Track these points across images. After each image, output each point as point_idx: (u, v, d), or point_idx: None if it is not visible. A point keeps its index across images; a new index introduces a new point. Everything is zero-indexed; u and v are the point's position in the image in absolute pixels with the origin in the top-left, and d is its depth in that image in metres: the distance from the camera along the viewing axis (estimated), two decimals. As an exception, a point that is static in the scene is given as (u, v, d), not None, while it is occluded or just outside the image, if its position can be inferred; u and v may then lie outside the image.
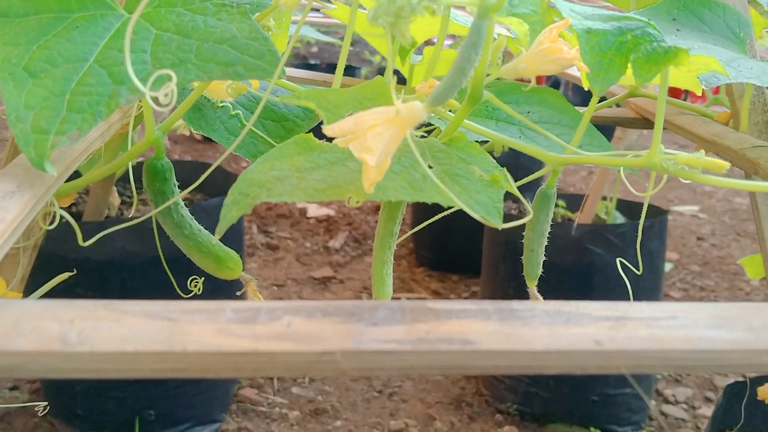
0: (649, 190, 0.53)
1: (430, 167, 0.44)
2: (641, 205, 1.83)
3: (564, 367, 0.30)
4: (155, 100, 0.37)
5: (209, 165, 1.84)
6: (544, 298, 1.75)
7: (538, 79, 0.63)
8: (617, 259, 0.64)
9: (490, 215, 0.40)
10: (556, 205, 1.97)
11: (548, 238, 1.74)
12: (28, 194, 0.38)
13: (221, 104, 0.66)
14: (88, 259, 1.40)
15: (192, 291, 0.66)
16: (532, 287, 0.53)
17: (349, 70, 3.84)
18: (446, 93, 0.37)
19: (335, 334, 0.29)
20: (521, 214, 1.87)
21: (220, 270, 0.60)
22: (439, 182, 0.40)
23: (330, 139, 0.46)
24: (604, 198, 1.81)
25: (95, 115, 0.40)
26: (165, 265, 0.66)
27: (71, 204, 1.58)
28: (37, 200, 0.39)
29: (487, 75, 0.46)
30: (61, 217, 1.33)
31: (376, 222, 2.66)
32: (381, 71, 3.98)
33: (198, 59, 0.44)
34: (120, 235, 1.42)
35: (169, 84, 0.37)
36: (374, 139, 0.37)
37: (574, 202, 1.91)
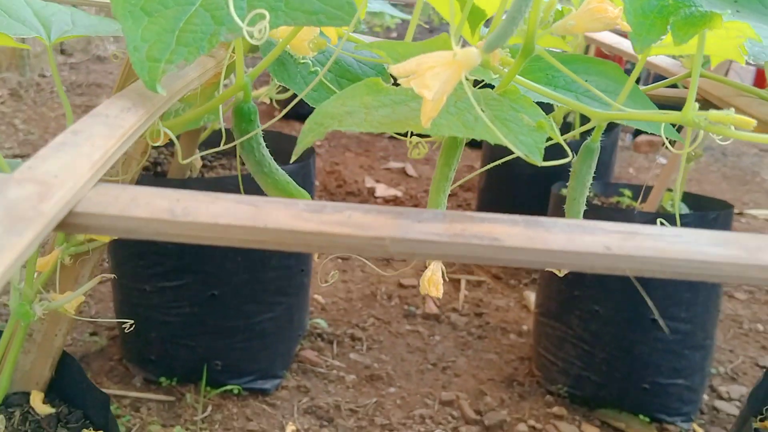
0: (686, 147, 0.57)
1: (482, 111, 0.50)
2: (708, 199, 1.83)
3: (575, 265, 0.35)
4: (250, 35, 0.44)
5: (285, 135, 1.93)
6: (605, 283, 1.74)
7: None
8: (658, 220, 0.68)
9: (532, 153, 0.46)
10: (622, 194, 1.98)
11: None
12: (142, 110, 0.46)
13: (302, 60, 0.73)
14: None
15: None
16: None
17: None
18: (499, 39, 0.43)
19: (386, 226, 0.36)
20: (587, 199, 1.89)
21: (292, 206, 0.67)
22: (489, 122, 0.46)
23: (396, 86, 0.52)
24: (670, 190, 1.81)
25: (199, 49, 0.48)
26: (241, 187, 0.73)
27: (156, 164, 1.70)
28: (149, 116, 0.46)
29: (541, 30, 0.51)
30: (150, 171, 1.43)
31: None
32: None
33: (287, 7, 0.50)
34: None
35: (263, 21, 0.44)
36: (433, 78, 0.43)
37: (641, 193, 1.92)
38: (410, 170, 3.36)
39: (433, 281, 0.56)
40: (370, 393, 1.78)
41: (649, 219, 1.61)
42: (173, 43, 0.48)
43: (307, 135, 0.47)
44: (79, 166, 0.36)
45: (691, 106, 0.47)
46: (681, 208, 1.75)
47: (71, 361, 0.85)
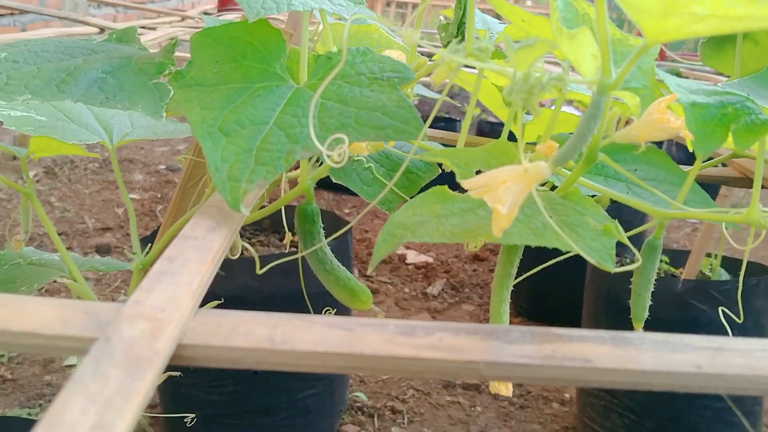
0: (749, 244, 0.58)
1: (550, 217, 0.51)
2: (747, 263, 1.81)
3: (668, 385, 0.36)
4: (330, 158, 0.46)
5: (326, 211, 1.96)
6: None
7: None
8: (720, 308, 0.68)
9: (603, 260, 0.47)
10: (660, 261, 1.97)
11: (651, 293, 1.74)
12: (226, 229, 0.48)
13: (356, 158, 0.76)
14: (212, 293, 1.52)
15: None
16: (639, 329, 0.58)
17: (450, 123, 3.95)
18: (568, 156, 0.45)
19: (478, 349, 0.37)
20: (623, 264, 1.89)
21: (354, 302, 0.68)
22: (559, 230, 0.47)
23: (461, 191, 0.54)
24: (709, 255, 1.80)
25: (277, 167, 0.50)
26: (306, 298, 0.75)
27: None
28: (231, 234, 0.48)
29: (604, 138, 0.53)
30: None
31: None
32: (480, 123, 4.05)
33: (356, 124, 0.53)
34: (244, 274, 1.54)
35: (342, 145, 0.46)
36: (505, 192, 0.45)
37: (678, 257, 1.91)
38: (440, 236, 3.36)
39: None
40: (413, 469, 1.75)
41: (693, 287, 1.60)
42: (252, 163, 0.50)
43: (381, 246, 0.49)
44: (182, 297, 0.38)
45: (756, 207, 0.48)
46: (720, 274, 1.74)
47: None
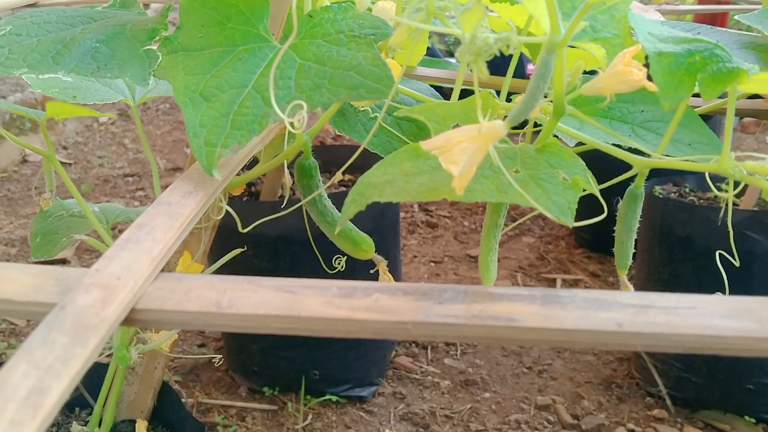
0: (730, 193, 0.57)
1: (517, 172, 0.52)
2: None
3: (589, 343, 0.37)
4: (291, 124, 0.48)
5: (346, 146, 1.97)
6: (701, 284, 1.72)
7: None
8: (717, 252, 0.67)
9: (563, 215, 0.48)
10: (720, 189, 1.91)
11: (705, 223, 1.71)
12: (202, 193, 0.51)
13: (362, 109, 0.77)
14: (263, 234, 1.58)
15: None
16: (623, 276, 0.59)
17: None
18: (521, 114, 0.45)
19: (409, 309, 0.39)
20: (682, 197, 1.85)
21: (356, 251, 0.71)
22: (519, 187, 0.48)
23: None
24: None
25: (251, 132, 0.52)
26: (314, 246, 0.78)
27: (250, 185, 1.78)
28: (208, 198, 0.51)
29: (569, 93, 0.52)
30: (245, 197, 1.51)
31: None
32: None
33: (330, 84, 0.54)
34: (290, 214, 1.59)
35: (301, 111, 0.48)
36: (460, 153, 0.46)
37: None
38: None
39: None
40: (465, 398, 1.80)
41: (748, 218, 1.55)
42: (228, 127, 0.53)
43: (349, 206, 0.51)
44: (140, 264, 0.41)
45: (727, 156, 0.48)
46: (781, 203, 1.67)
47: (170, 390, 0.92)
